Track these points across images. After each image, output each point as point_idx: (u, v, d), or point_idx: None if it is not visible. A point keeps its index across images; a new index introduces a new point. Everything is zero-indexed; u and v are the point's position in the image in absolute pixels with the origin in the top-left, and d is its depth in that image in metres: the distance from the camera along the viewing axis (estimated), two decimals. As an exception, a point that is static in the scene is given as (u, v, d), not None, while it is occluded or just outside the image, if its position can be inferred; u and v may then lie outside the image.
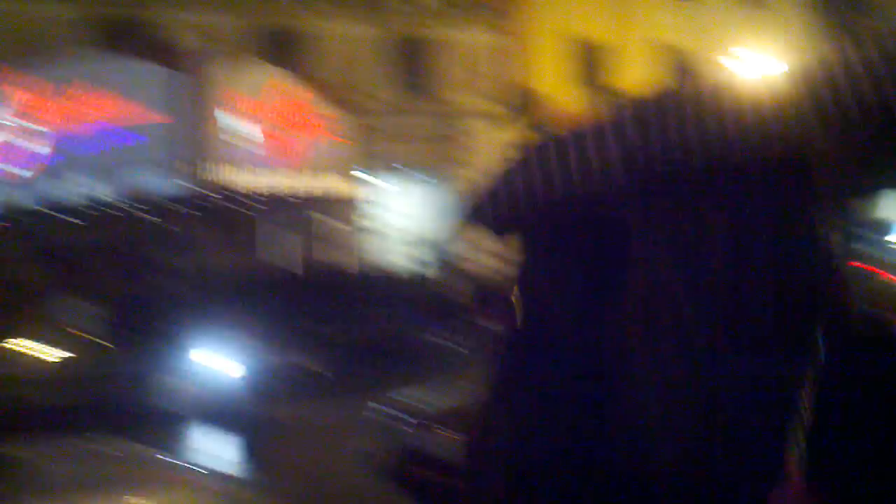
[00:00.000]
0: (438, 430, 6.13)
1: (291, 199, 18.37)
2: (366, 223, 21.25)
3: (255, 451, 7.54)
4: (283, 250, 17.83)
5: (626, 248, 1.11)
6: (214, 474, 7.16)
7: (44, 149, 16.76)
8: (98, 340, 10.80)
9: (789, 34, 24.46)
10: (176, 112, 15.96)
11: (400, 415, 6.48)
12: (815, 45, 24.09)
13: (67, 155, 16.48)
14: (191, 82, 16.18)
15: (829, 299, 1.07)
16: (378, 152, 20.93)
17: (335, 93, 19.68)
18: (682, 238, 1.07)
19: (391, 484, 6.06)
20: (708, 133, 1.03)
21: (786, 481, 1.02)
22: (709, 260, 1.07)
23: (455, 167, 22.91)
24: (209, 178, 16.24)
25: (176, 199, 15.91)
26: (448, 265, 19.04)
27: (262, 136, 17.72)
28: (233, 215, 16.97)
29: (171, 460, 5.19)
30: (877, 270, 1.24)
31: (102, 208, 16.02)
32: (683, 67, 21.21)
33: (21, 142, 16.96)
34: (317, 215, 19.58)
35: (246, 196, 17.09)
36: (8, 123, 17.13)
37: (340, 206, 20.17)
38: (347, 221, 20.56)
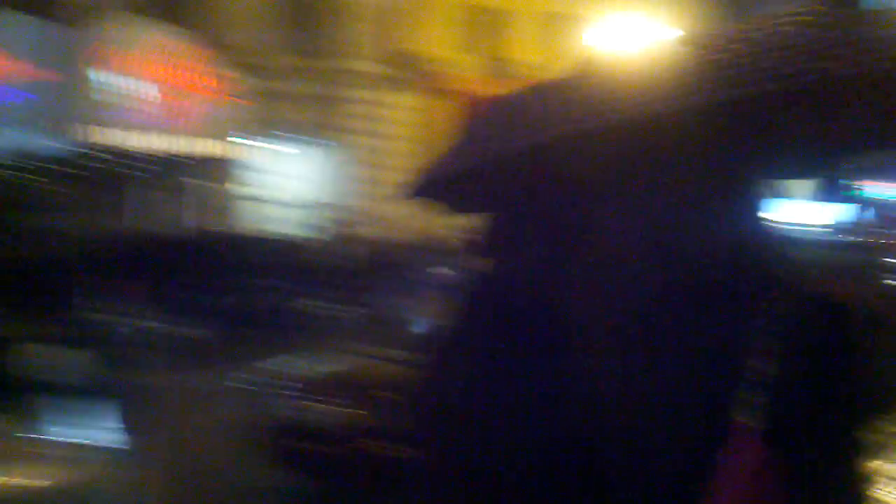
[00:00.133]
0: (317, 399, 6.10)
1: (178, 161, 18.01)
2: (253, 188, 20.95)
3: (127, 421, 7.35)
4: (166, 215, 17.45)
5: (587, 212, 1.12)
6: (84, 446, 6.97)
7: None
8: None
9: (683, 2, 24.91)
10: (64, 70, 15.43)
11: (278, 383, 6.43)
12: (710, 14, 24.70)
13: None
14: (81, 40, 15.68)
15: (761, 266, 1.10)
16: (269, 115, 20.65)
17: (228, 54, 19.35)
18: (635, 202, 1.10)
19: (265, 452, 6.02)
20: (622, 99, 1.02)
21: (740, 448, 1.03)
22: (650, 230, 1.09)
23: (346, 131, 22.75)
24: (95, 139, 15.81)
25: (58, 160, 15.40)
26: (336, 231, 18.93)
27: (151, 96, 17.34)
28: (115, 177, 16.51)
29: (33, 436, 5.00)
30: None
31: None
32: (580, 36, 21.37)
33: None
34: (202, 179, 19.23)
35: (130, 157, 16.66)
36: None
37: (227, 170, 19.85)
38: (233, 185, 20.27)
